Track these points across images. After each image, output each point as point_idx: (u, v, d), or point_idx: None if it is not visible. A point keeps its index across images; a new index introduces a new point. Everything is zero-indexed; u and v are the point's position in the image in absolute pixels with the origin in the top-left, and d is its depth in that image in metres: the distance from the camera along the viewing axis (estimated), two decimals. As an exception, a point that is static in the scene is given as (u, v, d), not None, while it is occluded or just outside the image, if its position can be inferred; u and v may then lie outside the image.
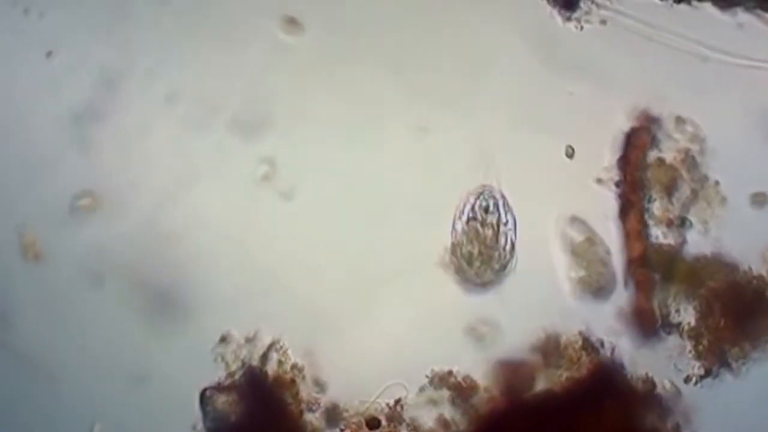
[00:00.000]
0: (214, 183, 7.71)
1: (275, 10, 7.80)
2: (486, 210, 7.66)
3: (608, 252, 7.63)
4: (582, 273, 7.61)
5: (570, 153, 7.67)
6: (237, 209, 7.69)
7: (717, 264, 7.64)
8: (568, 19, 7.78)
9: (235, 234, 7.66)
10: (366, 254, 7.64)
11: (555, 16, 7.78)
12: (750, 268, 7.61)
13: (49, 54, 7.75)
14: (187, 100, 7.72)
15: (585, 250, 7.61)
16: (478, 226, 7.65)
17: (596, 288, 7.59)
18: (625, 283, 7.67)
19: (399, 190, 7.70)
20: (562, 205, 7.70)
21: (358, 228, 7.69)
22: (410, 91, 7.71)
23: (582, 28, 7.78)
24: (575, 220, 7.66)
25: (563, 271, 7.65)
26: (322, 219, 7.69)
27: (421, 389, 7.47)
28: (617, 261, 7.66)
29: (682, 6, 7.75)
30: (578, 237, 7.62)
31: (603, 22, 7.78)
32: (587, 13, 7.77)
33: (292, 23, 7.78)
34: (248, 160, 7.71)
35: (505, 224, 7.66)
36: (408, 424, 7.46)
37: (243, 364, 7.51)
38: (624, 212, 7.73)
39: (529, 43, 7.79)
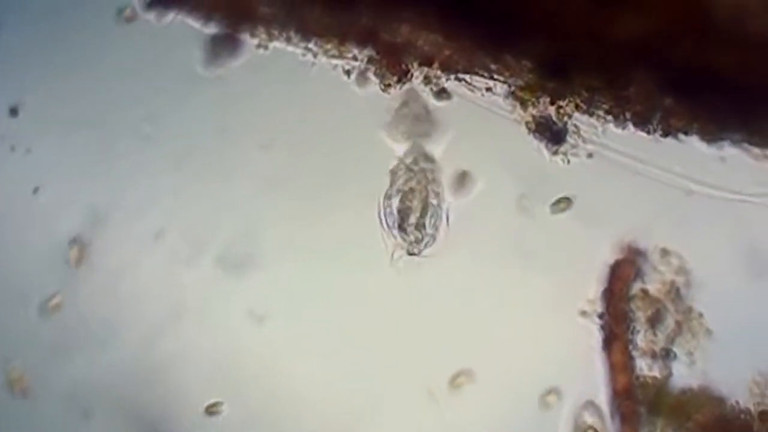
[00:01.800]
0: (202, 317, 7.73)
1: (258, 141, 7.81)
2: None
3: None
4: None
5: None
6: (225, 343, 7.72)
7: (703, 397, 7.67)
8: (555, 152, 7.79)
9: (224, 367, 7.69)
10: (356, 385, 7.68)
11: (542, 149, 7.80)
12: (737, 402, 7.63)
13: (36, 190, 7.77)
14: (174, 235, 7.74)
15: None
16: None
17: None
18: (611, 416, 7.70)
19: (387, 323, 7.72)
20: (548, 338, 7.72)
21: (347, 359, 7.72)
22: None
23: (569, 161, 7.80)
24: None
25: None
26: (312, 352, 7.72)
27: None
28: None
29: (669, 140, 7.75)
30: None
31: (590, 155, 7.80)
32: (574, 146, 7.79)
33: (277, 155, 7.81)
34: (236, 293, 7.73)
35: None
36: None
37: (234, 498, 7.58)
38: (608, 344, 7.75)
39: (516, 176, 7.80)
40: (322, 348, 7.70)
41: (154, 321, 7.72)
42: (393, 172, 7.75)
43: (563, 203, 7.72)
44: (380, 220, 7.72)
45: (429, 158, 7.79)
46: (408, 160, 7.77)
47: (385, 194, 7.74)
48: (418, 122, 7.77)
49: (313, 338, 7.72)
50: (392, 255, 7.66)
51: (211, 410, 7.67)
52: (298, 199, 7.77)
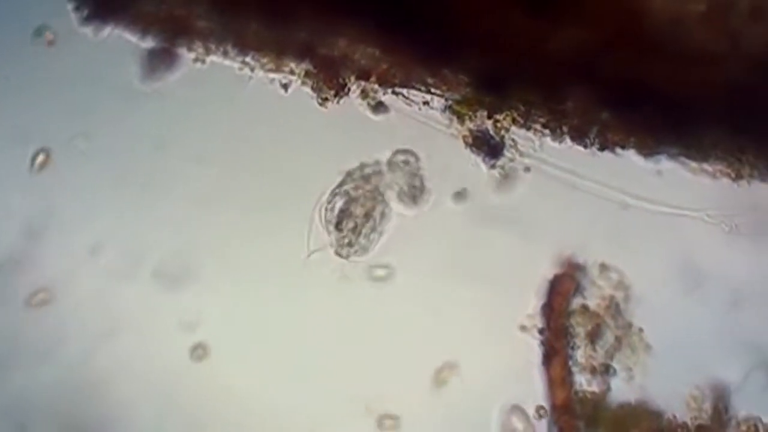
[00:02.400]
0: (138, 331, 7.68)
1: (195, 155, 7.80)
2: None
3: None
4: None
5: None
6: (162, 357, 7.67)
7: (641, 411, 7.64)
8: (493, 166, 7.78)
9: (160, 383, 7.65)
10: (289, 406, 7.64)
11: (479, 163, 7.78)
12: (674, 416, 7.62)
13: (-29, 206, 7.76)
14: (111, 250, 7.71)
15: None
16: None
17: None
18: (550, 431, 7.68)
19: (321, 343, 7.69)
20: (487, 352, 7.69)
21: (284, 374, 7.69)
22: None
23: (506, 175, 7.79)
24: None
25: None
26: (248, 366, 7.68)
27: None
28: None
29: (606, 153, 7.75)
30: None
31: (527, 169, 7.79)
32: (511, 160, 7.78)
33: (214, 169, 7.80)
34: (172, 310, 7.70)
35: None
36: None
37: None
38: (548, 359, 7.73)
39: (455, 189, 7.79)
40: (258, 362, 7.65)
41: (92, 335, 7.68)
42: (348, 174, 7.70)
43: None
44: (319, 213, 7.67)
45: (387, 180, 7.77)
46: (366, 171, 7.75)
47: (332, 191, 7.69)
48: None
49: (250, 352, 7.68)
50: (310, 251, 7.59)
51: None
52: (235, 213, 7.75)
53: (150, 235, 7.73)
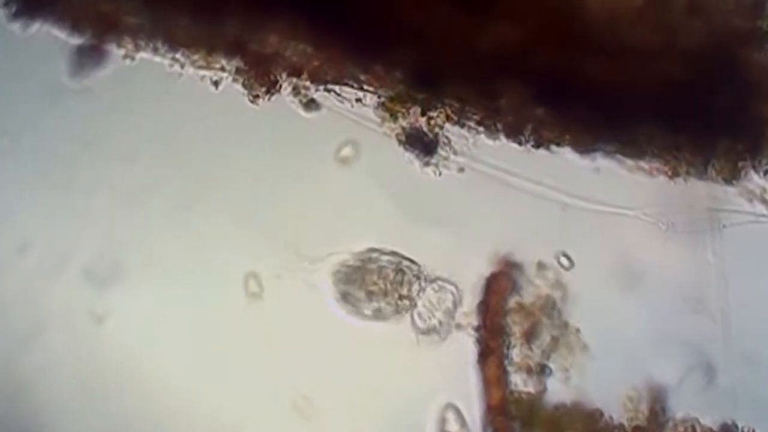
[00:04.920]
0: (66, 331, 7.60)
1: (122, 153, 7.70)
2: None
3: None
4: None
5: None
6: (87, 358, 7.59)
7: (577, 412, 7.56)
8: (427, 164, 7.68)
9: (90, 380, 7.57)
10: (222, 398, 7.56)
11: (413, 161, 7.69)
12: (611, 417, 7.53)
13: None
14: (38, 248, 7.63)
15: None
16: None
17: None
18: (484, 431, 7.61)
19: (253, 337, 7.61)
20: (423, 350, 7.62)
21: (213, 373, 7.61)
22: (263, 241, 7.62)
23: (440, 173, 7.69)
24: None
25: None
26: (178, 364, 7.60)
27: None
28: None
29: (541, 151, 7.64)
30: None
31: (461, 169, 7.69)
32: (445, 158, 7.68)
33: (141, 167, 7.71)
34: (101, 306, 7.61)
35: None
36: None
37: None
38: (483, 358, 7.64)
39: (388, 188, 7.69)
40: (187, 360, 7.59)
41: (19, 335, 7.59)
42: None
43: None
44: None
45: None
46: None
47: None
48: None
49: (180, 351, 7.61)
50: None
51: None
52: (163, 212, 7.67)
53: (78, 233, 7.64)
